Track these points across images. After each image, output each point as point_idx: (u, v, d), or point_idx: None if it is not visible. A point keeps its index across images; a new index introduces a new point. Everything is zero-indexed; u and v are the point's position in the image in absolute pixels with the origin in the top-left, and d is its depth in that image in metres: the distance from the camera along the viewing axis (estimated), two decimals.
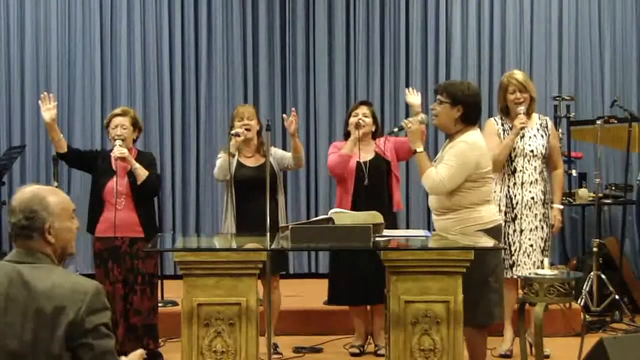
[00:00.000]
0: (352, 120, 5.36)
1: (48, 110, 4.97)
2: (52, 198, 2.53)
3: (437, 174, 4.28)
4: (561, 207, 5.40)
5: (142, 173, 5.06)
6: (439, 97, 4.40)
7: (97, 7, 7.27)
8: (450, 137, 4.45)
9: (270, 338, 4.60)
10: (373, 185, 5.26)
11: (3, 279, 2.43)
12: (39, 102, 5.04)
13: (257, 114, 5.48)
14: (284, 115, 5.37)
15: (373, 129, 5.40)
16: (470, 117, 4.35)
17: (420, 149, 4.41)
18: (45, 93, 5.07)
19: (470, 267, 3.90)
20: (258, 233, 4.58)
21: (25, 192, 2.52)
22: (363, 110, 5.38)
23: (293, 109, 5.44)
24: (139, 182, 5.06)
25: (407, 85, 7.32)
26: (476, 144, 4.33)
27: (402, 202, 5.59)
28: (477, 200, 4.32)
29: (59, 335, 2.34)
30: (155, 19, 7.31)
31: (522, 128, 5.16)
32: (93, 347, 2.37)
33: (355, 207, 5.09)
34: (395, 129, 4.63)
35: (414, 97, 5.29)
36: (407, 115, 7.33)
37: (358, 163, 5.27)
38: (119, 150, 5.01)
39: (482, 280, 4.20)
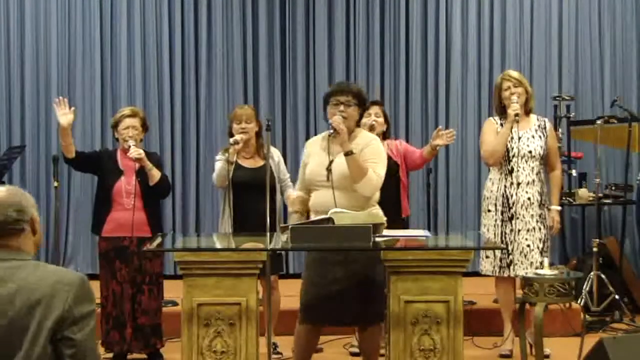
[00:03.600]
0: (365, 121, 5.33)
1: (64, 115, 4.94)
2: (25, 191, 2.57)
3: (376, 173, 4.29)
4: (559, 208, 5.38)
5: (156, 174, 5.09)
6: (347, 99, 4.32)
7: (97, 7, 7.27)
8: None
9: (270, 338, 4.60)
10: (384, 186, 5.22)
11: None
12: (54, 105, 5.01)
13: (256, 114, 5.44)
14: None
15: (384, 128, 5.39)
16: (362, 117, 4.51)
17: (355, 150, 4.26)
18: (61, 98, 5.04)
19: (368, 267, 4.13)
20: (257, 233, 4.57)
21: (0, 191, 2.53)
22: (375, 110, 5.36)
23: None
24: (152, 183, 5.08)
25: (407, 85, 7.35)
26: None
27: (408, 208, 5.52)
28: (377, 198, 4.42)
29: (46, 328, 2.34)
30: (155, 19, 7.31)
31: (516, 115, 5.16)
32: (75, 341, 2.36)
33: None
34: (332, 131, 4.27)
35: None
36: (407, 115, 7.36)
37: None
38: (136, 151, 5.02)
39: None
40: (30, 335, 2.34)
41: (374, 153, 4.33)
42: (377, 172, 4.28)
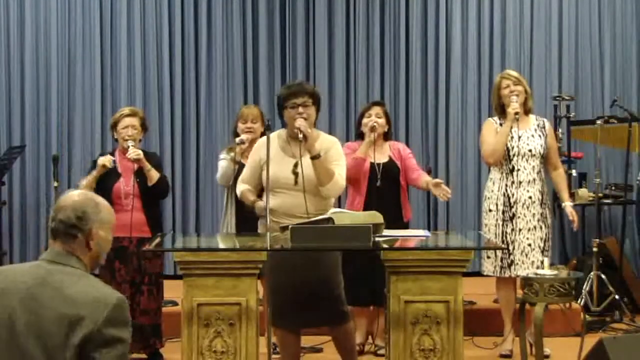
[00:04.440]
0: (366, 121, 5.31)
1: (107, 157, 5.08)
2: (104, 205, 2.56)
3: (340, 176, 4.30)
4: (572, 203, 5.47)
5: (154, 175, 5.09)
6: (304, 100, 4.25)
7: (97, 7, 7.28)
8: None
9: (270, 338, 4.59)
10: (385, 188, 5.23)
11: (28, 278, 2.40)
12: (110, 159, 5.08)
13: (262, 115, 5.47)
14: None
15: (386, 129, 5.38)
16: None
17: (322, 153, 4.23)
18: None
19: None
20: (258, 233, 4.57)
21: (79, 194, 2.53)
22: (376, 110, 5.34)
23: None
24: (150, 184, 5.08)
25: (407, 85, 7.35)
26: None
27: (410, 212, 5.46)
28: (332, 202, 4.42)
29: (73, 344, 2.29)
30: (155, 19, 7.31)
31: (516, 113, 5.16)
32: None
33: (367, 208, 5.06)
34: (300, 136, 4.21)
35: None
36: (407, 115, 7.35)
37: (372, 164, 5.24)
38: (135, 152, 5.03)
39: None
40: (53, 346, 2.30)
41: (338, 155, 4.35)
42: (341, 174, 4.32)
